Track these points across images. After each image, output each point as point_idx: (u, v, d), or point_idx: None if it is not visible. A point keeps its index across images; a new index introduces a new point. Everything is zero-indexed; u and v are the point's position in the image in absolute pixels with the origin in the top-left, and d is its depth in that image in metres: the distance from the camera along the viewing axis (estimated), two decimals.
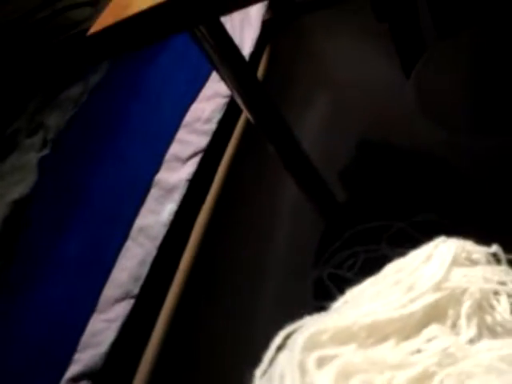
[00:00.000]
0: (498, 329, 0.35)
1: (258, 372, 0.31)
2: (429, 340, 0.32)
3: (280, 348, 0.32)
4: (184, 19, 0.64)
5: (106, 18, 0.67)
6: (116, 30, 0.68)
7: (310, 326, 0.33)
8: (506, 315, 0.35)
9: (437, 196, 0.72)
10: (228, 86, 0.83)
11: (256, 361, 0.32)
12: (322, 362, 0.29)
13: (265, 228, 1.28)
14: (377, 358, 0.29)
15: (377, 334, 0.33)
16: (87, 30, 0.69)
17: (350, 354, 0.30)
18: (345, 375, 0.28)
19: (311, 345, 0.31)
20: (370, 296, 0.37)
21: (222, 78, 0.83)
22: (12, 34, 1.52)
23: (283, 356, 0.30)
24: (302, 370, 0.28)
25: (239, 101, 0.85)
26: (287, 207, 1.31)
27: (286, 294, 1.03)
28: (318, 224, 0.88)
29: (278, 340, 0.33)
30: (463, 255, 0.38)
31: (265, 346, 0.33)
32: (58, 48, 1.54)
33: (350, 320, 0.33)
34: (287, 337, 0.33)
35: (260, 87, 0.83)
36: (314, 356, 0.29)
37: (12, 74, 1.55)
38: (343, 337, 0.32)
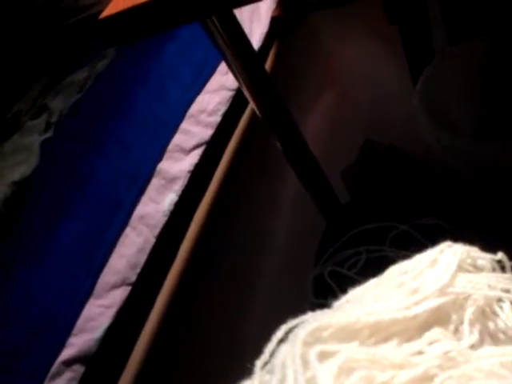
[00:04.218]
0: (500, 336, 0.35)
1: (259, 363, 0.31)
2: (431, 343, 0.32)
3: (281, 342, 0.32)
4: (197, 9, 0.63)
5: (115, 4, 0.66)
6: (128, 16, 0.67)
7: (312, 321, 0.32)
8: (509, 323, 0.35)
9: (441, 201, 0.72)
10: (236, 78, 0.83)
11: (253, 356, 0.32)
12: (323, 357, 0.29)
13: (265, 224, 1.28)
14: (379, 356, 0.29)
15: (379, 333, 0.32)
16: (96, 14, 0.69)
17: (351, 350, 0.30)
18: (346, 370, 0.28)
19: (312, 340, 0.31)
20: (372, 296, 0.36)
21: (231, 69, 0.83)
22: (20, 16, 1.51)
23: (285, 348, 0.30)
24: (304, 362, 0.28)
25: (246, 93, 0.84)
26: (288, 203, 1.31)
27: (285, 290, 1.03)
28: (320, 222, 0.88)
29: (279, 333, 0.33)
30: (468, 261, 0.38)
31: (263, 340, 0.33)
32: (66, 31, 1.53)
33: (352, 318, 0.33)
34: (288, 331, 0.33)
35: (268, 80, 0.83)
36: (316, 350, 0.29)
37: (17, 55, 1.54)
38: (345, 334, 0.32)
